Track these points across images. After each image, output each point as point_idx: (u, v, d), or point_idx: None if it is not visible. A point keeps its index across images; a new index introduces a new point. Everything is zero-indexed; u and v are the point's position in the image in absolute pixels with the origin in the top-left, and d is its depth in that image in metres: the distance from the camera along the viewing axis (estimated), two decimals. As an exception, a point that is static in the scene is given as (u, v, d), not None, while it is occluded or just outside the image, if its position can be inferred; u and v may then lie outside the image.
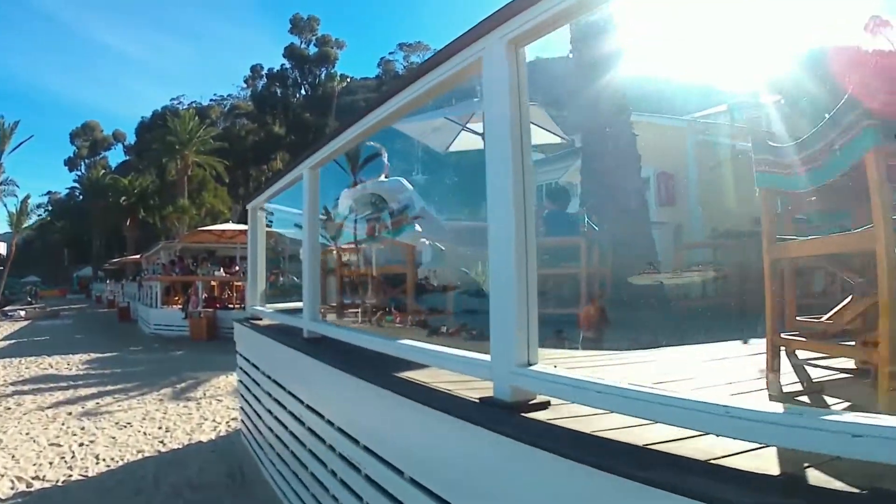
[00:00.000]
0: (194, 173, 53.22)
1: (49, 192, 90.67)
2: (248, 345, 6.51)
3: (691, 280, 7.49)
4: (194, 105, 70.64)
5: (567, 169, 15.54)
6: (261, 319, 6.57)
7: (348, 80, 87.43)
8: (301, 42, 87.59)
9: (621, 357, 4.03)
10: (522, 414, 2.10)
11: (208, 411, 9.00)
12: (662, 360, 3.79)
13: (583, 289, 5.44)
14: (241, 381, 6.95)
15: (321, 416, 3.89)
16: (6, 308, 38.57)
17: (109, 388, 11.06)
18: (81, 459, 6.77)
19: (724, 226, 9.76)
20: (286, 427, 4.78)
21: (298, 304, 4.98)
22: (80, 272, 73.77)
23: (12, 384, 11.86)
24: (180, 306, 21.03)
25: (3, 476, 6.29)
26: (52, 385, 11.54)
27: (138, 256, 35.09)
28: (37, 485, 6.06)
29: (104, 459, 6.76)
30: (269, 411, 5.36)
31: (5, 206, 30.98)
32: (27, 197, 32.00)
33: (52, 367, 14.11)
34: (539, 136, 9.62)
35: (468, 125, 9.07)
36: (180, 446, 7.32)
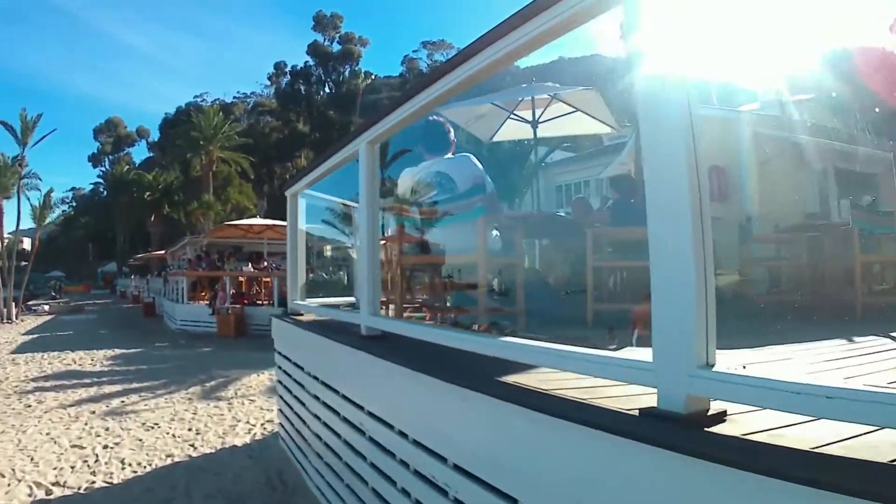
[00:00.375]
0: (219, 169, 53.11)
1: (73, 189, 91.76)
2: (288, 342, 6.00)
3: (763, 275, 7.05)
4: (218, 102, 70.55)
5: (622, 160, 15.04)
6: (301, 315, 6.08)
7: (372, 77, 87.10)
8: (324, 39, 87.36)
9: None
10: (706, 429, 1.60)
11: (241, 412, 8.51)
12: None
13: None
14: (279, 382, 6.44)
15: (389, 426, 3.35)
16: (30, 303, 38.77)
17: (135, 385, 10.63)
18: (106, 464, 6.30)
19: (785, 221, 9.23)
20: (339, 435, 4.25)
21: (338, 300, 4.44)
22: (104, 268, 74.26)
23: (33, 380, 11.50)
24: (207, 302, 20.69)
25: (20, 481, 5.84)
26: (75, 382, 11.15)
27: (163, 252, 34.94)
28: (57, 492, 5.59)
29: (130, 464, 6.29)
30: (316, 416, 4.86)
31: (28, 199, 30.69)
32: (50, 190, 31.85)
33: (75, 362, 13.75)
34: (588, 126, 9.11)
35: (516, 112, 8.57)
36: (212, 450, 6.82)
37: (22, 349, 16.74)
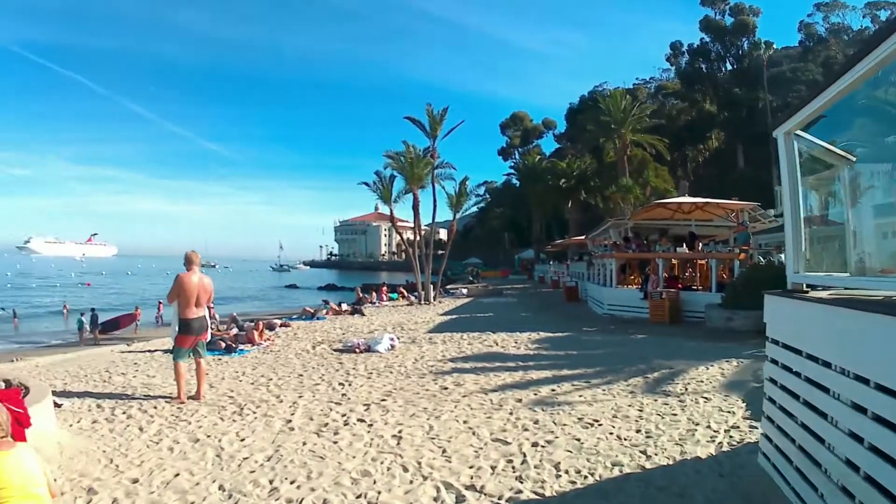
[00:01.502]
0: (633, 153, 52.10)
1: (485, 182, 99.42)
2: (797, 329, 4.21)
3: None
4: (619, 89, 69.67)
5: None
6: (808, 292, 4.27)
7: (773, 48, 78.21)
8: (715, 13, 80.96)
9: None
10: None
11: (696, 413, 6.91)
12: None
13: None
14: (771, 381, 4.65)
15: None
16: (448, 286, 42.07)
17: (566, 372, 9.74)
18: (536, 467, 5.26)
19: None
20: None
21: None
22: (520, 254, 78.65)
23: (451, 360, 11.40)
24: (637, 286, 19.71)
25: (426, 478, 5.05)
26: (497, 364, 10.72)
27: (583, 237, 35.01)
28: (471, 498, 4.63)
29: (567, 471, 5.15)
30: (854, 435, 3.22)
31: (444, 189, 32.86)
32: (465, 178, 33.78)
33: (497, 344, 13.60)
34: None
35: None
36: (669, 461, 5.37)
37: (440, 329, 17.44)
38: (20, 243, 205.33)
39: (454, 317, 22.00)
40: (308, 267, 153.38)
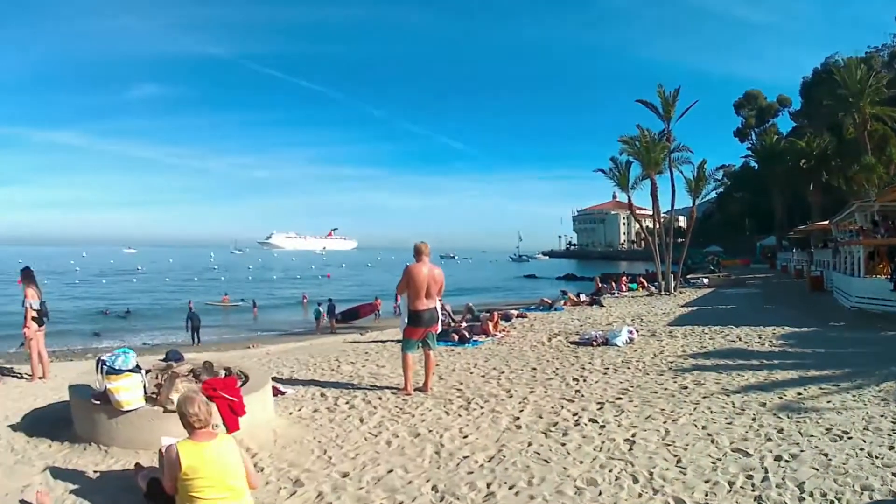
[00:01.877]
0: (873, 128, 46.64)
1: (722, 166, 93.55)
2: None
3: None
4: (853, 58, 61.97)
5: None
6: None
7: None
8: None
9: None
10: None
11: (966, 427, 6.07)
12: None
13: None
14: None
15: None
16: (689, 276, 40.33)
17: (813, 373, 9.02)
18: (777, 486, 4.69)
19: None
20: None
21: None
22: (762, 242, 73.65)
23: (692, 356, 10.95)
24: (887, 276, 17.84)
25: (657, 492, 4.70)
26: (740, 362, 10.15)
27: (826, 222, 32.33)
28: None
29: (811, 493, 4.54)
30: None
31: (682, 173, 31.32)
32: (703, 162, 31.79)
33: (739, 339, 12.92)
34: None
35: None
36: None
37: (680, 321, 16.80)
38: (262, 239, 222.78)
39: (695, 308, 21.18)
40: (547, 257, 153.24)
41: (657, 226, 33.50)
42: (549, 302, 23.64)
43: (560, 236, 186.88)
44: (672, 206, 32.89)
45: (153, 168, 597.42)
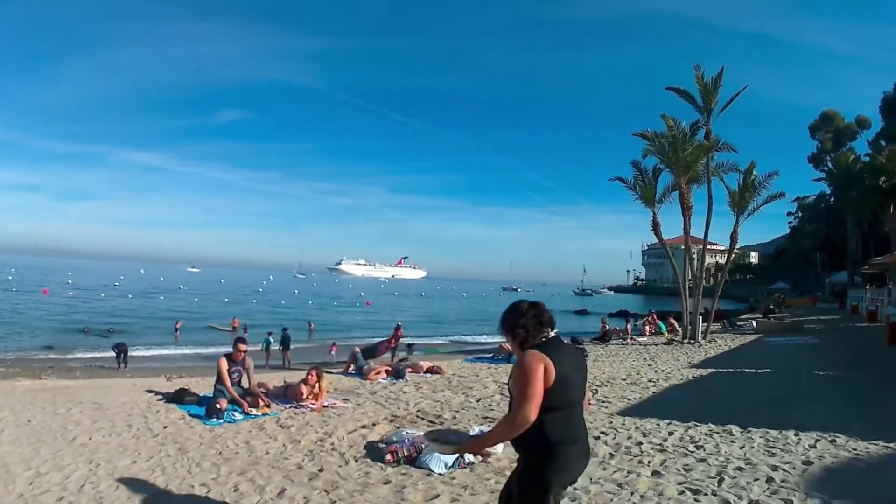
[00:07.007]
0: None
1: (797, 198, 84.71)
2: None
3: None
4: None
5: None
6: None
7: None
8: None
9: None
10: None
11: None
12: None
13: None
14: None
15: None
16: (744, 317, 33.03)
17: None
18: None
19: None
20: None
21: None
22: (832, 277, 64.18)
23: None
24: None
25: None
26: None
27: None
28: None
29: None
30: None
31: (723, 182, 22.85)
32: (752, 165, 22.49)
33: (732, 481, 5.62)
34: None
35: None
36: None
37: (654, 404, 9.87)
38: (331, 265, 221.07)
39: (706, 373, 13.72)
40: (612, 292, 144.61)
41: (687, 257, 25.26)
42: (510, 350, 16.58)
43: (629, 270, 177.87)
44: (707, 225, 23.99)
45: (229, 190, 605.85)
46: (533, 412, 2.93)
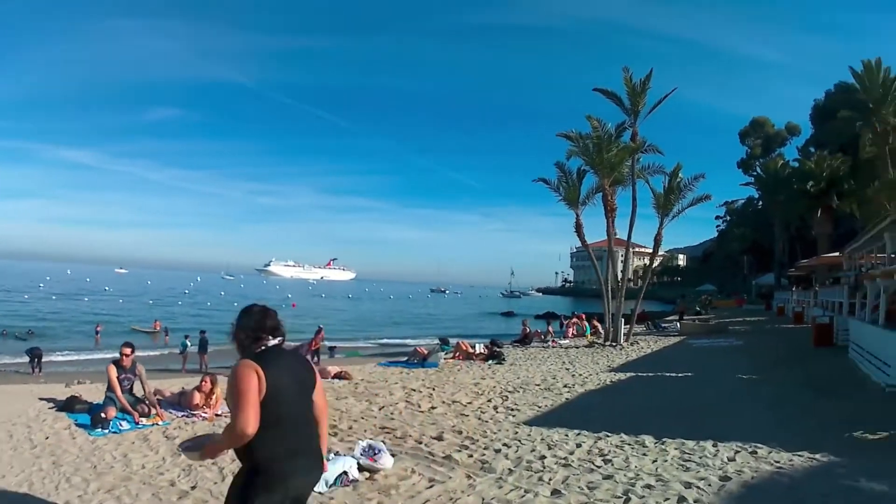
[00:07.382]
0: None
1: (725, 202, 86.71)
2: None
3: None
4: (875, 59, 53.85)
5: None
6: None
7: None
8: None
9: None
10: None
11: None
12: None
13: None
14: None
15: None
16: (669, 318, 33.12)
17: None
18: None
19: None
20: None
21: None
22: (759, 279, 65.73)
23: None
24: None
25: None
26: None
27: (836, 255, 25.30)
28: None
29: None
30: None
31: (648, 185, 22.47)
32: (678, 167, 22.29)
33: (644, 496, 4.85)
34: None
35: None
36: None
37: (561, 413, 9.18)
38: (260, 266, 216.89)
39: (622, 377, 13.19)
40: (541, 294, 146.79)
41: (610, 260, 25.85)
42: (425, 353, 15.86)
43: (557, 273, 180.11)
44: (630, 227, 23.96)
45: (159, 190, 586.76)
46: (250, 422, 2.76)
